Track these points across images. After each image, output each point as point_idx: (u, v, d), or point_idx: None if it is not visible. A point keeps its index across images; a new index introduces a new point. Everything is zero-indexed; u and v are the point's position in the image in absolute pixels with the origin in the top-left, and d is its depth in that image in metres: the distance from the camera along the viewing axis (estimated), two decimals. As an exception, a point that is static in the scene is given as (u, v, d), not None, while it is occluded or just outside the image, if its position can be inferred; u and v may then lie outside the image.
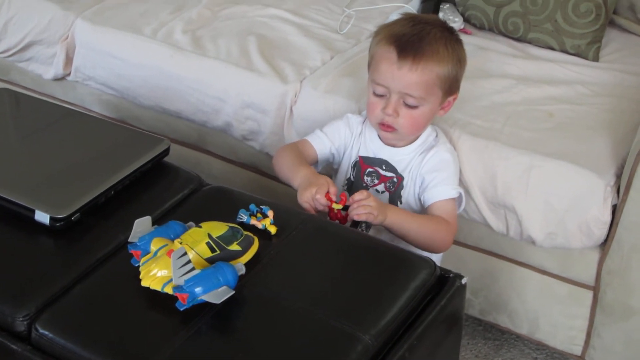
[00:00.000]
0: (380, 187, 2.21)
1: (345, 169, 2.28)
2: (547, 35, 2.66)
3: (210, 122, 2.67)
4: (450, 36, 2.13)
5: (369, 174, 2.22)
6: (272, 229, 1.91)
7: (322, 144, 2.28)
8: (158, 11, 2.89)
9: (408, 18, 2.18)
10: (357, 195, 2.02)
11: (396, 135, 2.17)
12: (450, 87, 2.13)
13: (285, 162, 2.22)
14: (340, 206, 2.04)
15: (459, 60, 2.13)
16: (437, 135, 2.23)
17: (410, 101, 2.09)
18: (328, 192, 2.04)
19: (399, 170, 2.20)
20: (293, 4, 2.95)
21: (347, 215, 2.04)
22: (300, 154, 2.24)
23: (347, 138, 2.27)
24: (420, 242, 2.08)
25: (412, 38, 2.08)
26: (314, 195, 2.04)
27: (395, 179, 2.20)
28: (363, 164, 2.23)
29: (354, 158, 2.26)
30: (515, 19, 2.70)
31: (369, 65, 2.18)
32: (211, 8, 2.92)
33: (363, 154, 2.24)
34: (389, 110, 2.10)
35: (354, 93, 2.43)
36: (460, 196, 2.17)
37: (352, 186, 2.26)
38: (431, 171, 2.16)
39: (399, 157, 2.20)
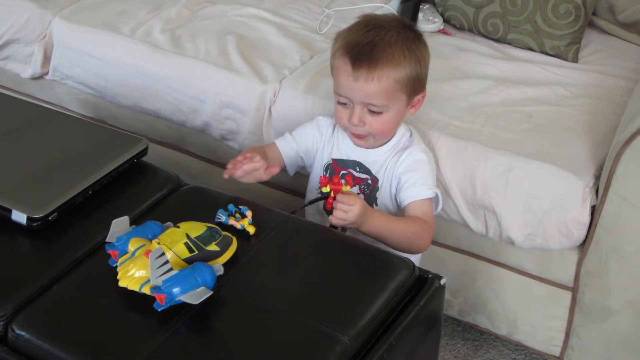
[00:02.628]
0: (355, 190, 2.19)
1: (318, 172, 2.25)
2: (526, 36, 2.67)
3: (189, 121, 2.66)
4: (407, 35, 2.08)
5: (343, 177, 2.20)
6: (251, 229, 1.90)
7: (287, 146, 2.25)
8: (136, 10, 2.88)
9: (363, 22, 2.12)
10: (344, 198, 1.97)
11: (369, 141, 2.14)
12: (414, 87, 2.09)
13: None
14: (348, 187, 2.01)
15: (419, 59, 2.07)
16: (411, 135, 2.20)
17: (374, 109, 2.05)
18: (339, 178, 2.04)
19: (373, 171, 2.18)
20: (272, 4, 2.94)
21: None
22: (264, 151, 2.22)
23: (316, 141, 2.24)
24: (400, 245, 2.05)
25: (365, 47, 2.03)
26: (245, 153, 2.09)
27: (369, 181, 2.18)
28: (336, 166, 2.21)
29: (326, 160, 2.23)
30: (494, 19, 2.70)
31: (332, 74, 2.14)
32: (190, 7, 2.91)
33: (336, 156, 2.21)
34: (354, 120, 2.07)
35: (333, 93, 2.41)
36: (437, 197, 2.16)
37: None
38: (406, 171, 2.13)
39: (373, 158, 2.18)
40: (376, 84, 2.02)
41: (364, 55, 2.03)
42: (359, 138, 2.13)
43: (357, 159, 2.19)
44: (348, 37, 2.09)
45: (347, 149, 2.20)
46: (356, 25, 2.12)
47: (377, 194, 2.18)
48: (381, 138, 2.14)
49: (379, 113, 2.06)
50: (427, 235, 2.12)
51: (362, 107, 2.06)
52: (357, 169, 2.19)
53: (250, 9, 2.90)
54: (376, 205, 2.18)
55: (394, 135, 2.17)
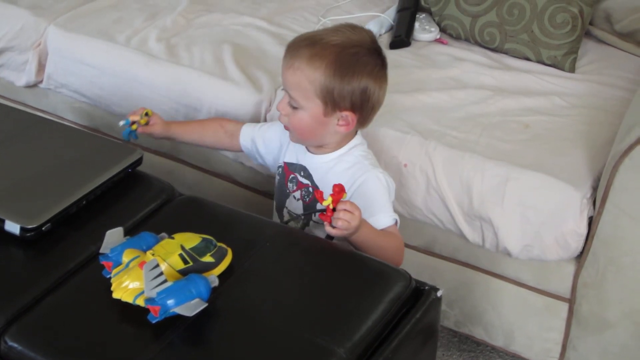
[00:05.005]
0: (297, 194, 2.19)
1: (275, 176, 2.28)
2: (523, 45, 2.66)
3: (183, 131, 2.64)
4: (348, 50, 2.04)
5: (291, 180, 2.20)
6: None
7: (249, 133, 2.33)
8: (132, 18, 2.87)
9: (336, 25, 2.17)
10: (348, 206, 1.92)
11: (292, 136, 2.16)
12: (333, 100, 2.04)
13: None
14: (345, 195, 1.94)
15: (344, 77, 2.02)
16: (365, 154, 2.16)
17: (292, 102, 2.07)
18: (339, 187, 1.95)
19: (315, 179, 2.16)
20: (268, 13, 2.94)
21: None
22: (202, 128, 2.41)
23: (281, 140, 2.26)
24: (382, 257, 1.97)
25: (304, 40, 2.08)
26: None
27: (310, 189, 2.17)
28: (287, 170, 2.22)
29: (280, 163, 2.25)
30: (491, 29, 2.69)
31: None
32: (186, 16, 2.90)
33: (288, 160, 2.23)
34: (278, 107, 2.12)
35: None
36: (396, 223, 2.11)
37: (276, 192, 2.27)
38: (365, 197, 2.08)
39: (315, 164, 2.17)
40: (291, 74, 2.05)
41: (294, 46, 2.08)
42: (286, 129, 2.16)
43: (303, 164, 2.19)
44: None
45: (298, 153, 2.21)
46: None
47: (318, 205, 2.13)
48: (300, 137, 2.14)
49: (296, 108, 2.07)
50: (402, 254, 2.11)
51: (287, 97, 2.09)
52: (302, 174, 2.19)
53: (246, 17, 2.89)
54: (314, 215, 2.17)
55: (328, 143, 2.14)
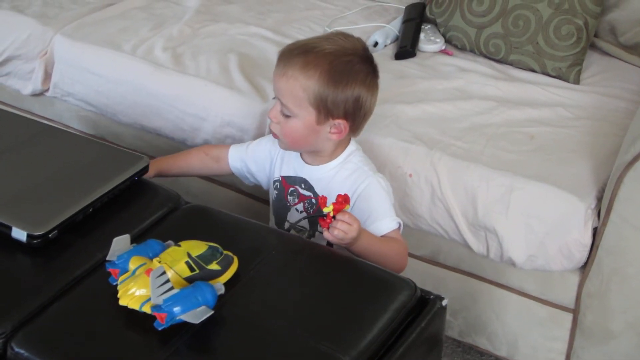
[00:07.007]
0: (300, 207, 2.20)
1: (271, 190, 2.28)
2: (528, 57, 2.67)
3: (189, 140, 2.65)
4: (341, 59, 2.05)
5: (291, 193, 2.20)
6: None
7: (237, 154, 2.32)
8: (138, 28, 2.88)
9: (328, 33, 2.16)
10: (346, 217, 1.94)
11: (282, 144, 2.16)
12: (326, 108, 2.05)
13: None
14: (348, 207, 1.96)
15: (338, 85, 2.03)
16: (364, 159, 2.18)
17: (284, 110, 2.07)
18: (342, 197, 1.97)
19: (318, 190, 2.17)
20: (274, 22, 2.95)
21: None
22: (187, 158, 2.40)
23: (271, 155, 2.27)
24: (384, 265, 1.98)
25: (297, 48, 2.09)
26: None
27: (313, 200, 2.18)
28: (286, 183, 2.22)
29: (275, 178, 2.25)
30: (496, 40, 2.70)
31: None
32: (192, 25, 2.91)
33: (285, 173, 2.23)
34: (270, 113, 2.11)
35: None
36: (400, 226, 2.13)
37: (274, 207, 2.26)
38: (368, 204, 2.11)
39: (318, 175, 2.18)
40: (284, 82, 2.05)
41: (287, 54, 2.08)
42: (275, 137, 2.16)
43: (304, 176, 2.20)
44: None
45: (296, 166, 2.21)
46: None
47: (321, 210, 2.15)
48: (291, 144, 2.15)
49: (289, 116, 2.07)
50: (406, 257, 2.12)
51: (279, 104, 2.08)
52: (303, 186, 2.19)
53: (252, 27, 2.90)
54: (319, 227, 2.16)
55: (322, 150, 2.15)
